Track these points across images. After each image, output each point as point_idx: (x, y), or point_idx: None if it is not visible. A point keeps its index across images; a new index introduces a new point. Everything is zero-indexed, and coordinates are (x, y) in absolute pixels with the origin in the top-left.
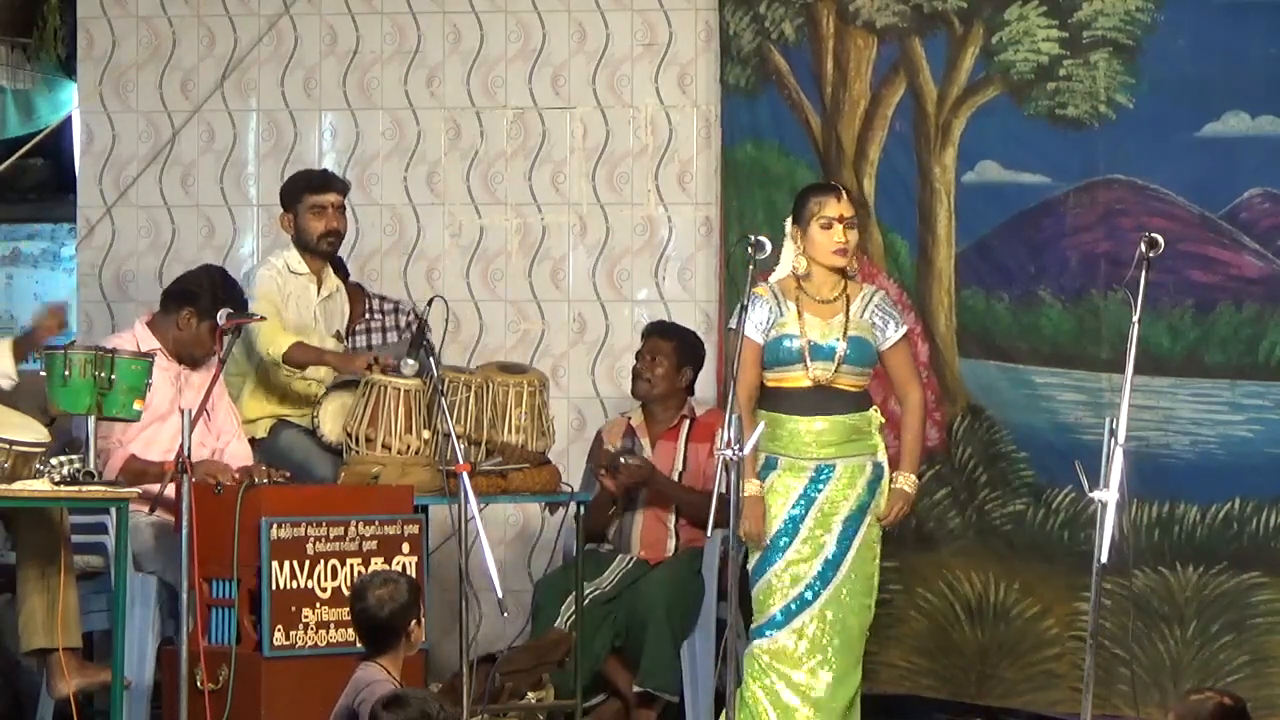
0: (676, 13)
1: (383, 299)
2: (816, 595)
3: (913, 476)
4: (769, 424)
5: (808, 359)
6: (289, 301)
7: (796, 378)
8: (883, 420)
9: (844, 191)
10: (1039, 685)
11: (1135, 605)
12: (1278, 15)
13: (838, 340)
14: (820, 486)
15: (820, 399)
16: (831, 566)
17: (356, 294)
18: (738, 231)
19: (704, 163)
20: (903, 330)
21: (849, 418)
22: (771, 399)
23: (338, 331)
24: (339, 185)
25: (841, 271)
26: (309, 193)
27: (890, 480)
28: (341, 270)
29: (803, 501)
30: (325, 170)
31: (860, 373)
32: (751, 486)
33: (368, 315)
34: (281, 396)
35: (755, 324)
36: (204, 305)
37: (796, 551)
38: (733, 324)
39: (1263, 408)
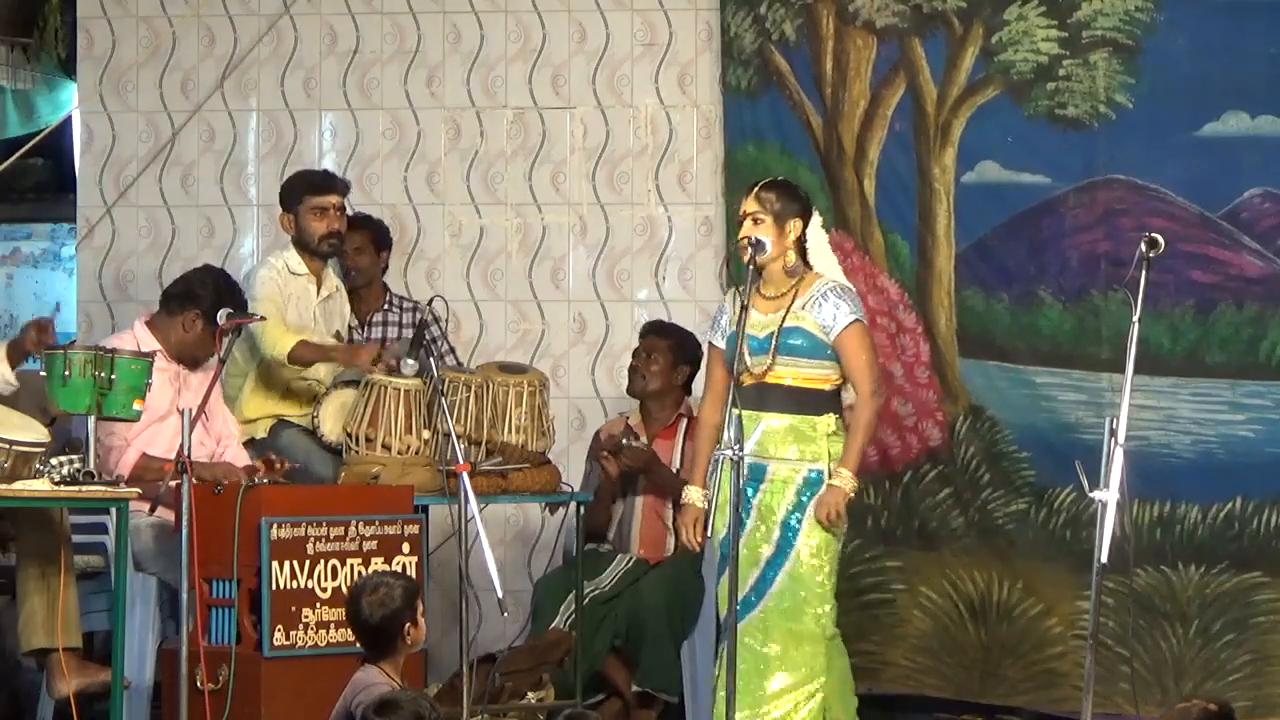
0: (677, 13)
1: (403, 298)
2: (752, 606)
3: (846, 473)
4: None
5: (746, 355)
6: (289, 302)
7: (744, 375)
8: (832, 429)
9: (761, 187)
10: (1042, 684)
11: (1137, 604)
12: (1278, 15)
13: (773, 333)
14: (754, 488)
15: (762, 396)
16: (766, 580)
17: (379, 288)
18: (740, 233)
19: (704, 163)
20: (852, 318)
21: (791, 418)
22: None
23: (337, 332)
24: (340, 186)
25: (766, 266)
26: (310, 194)
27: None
28: (385, 240)
29: (746, 502)
30: (326, 171)
31: (806, 365)
32: (692, 494)
33: (386, 308)
34: (281, 396)
35: (716, 330)
36: (208, 307)
37: (741, 552)
38: (706, 335)
39: (1264, 407)
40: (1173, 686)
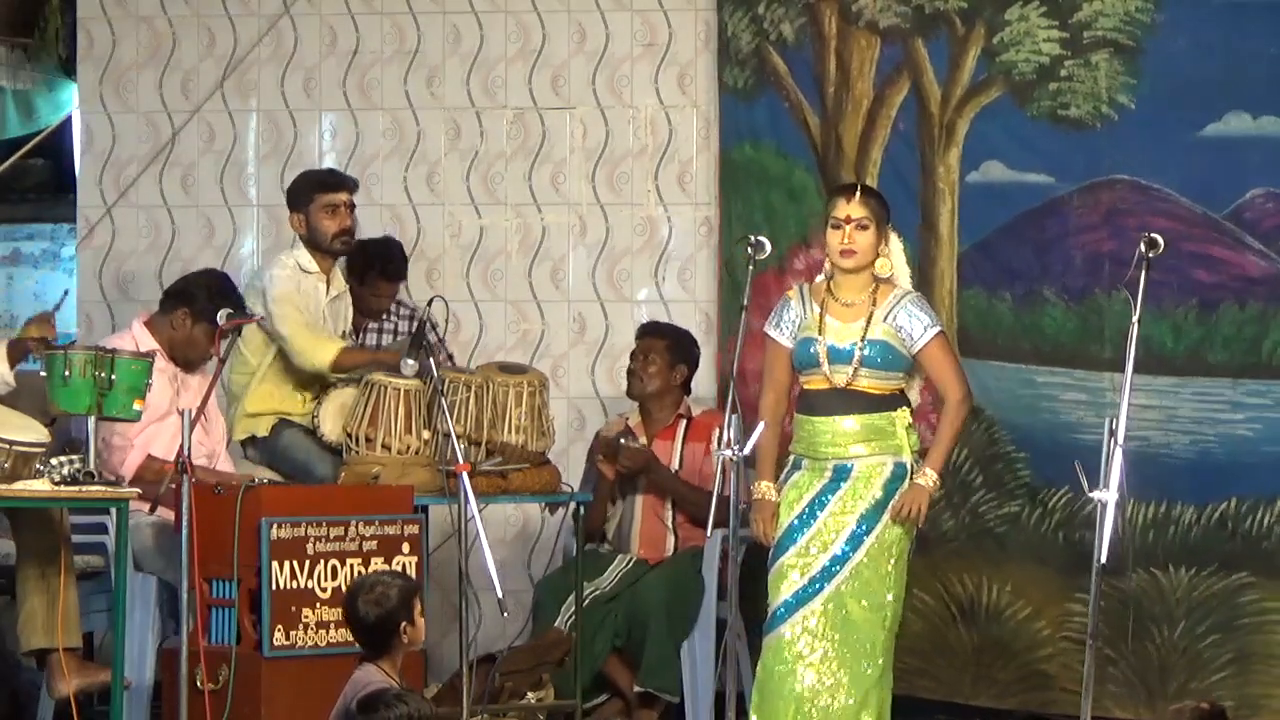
0: (676, 13)
1: (399, 303)
2: (819, 590)
3: (932, 473)
4: (797, 425)
5: (825, 363)
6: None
7: (819, 380)
8: (909, 421)
9: (861, 192)
10: (1032, 686)
11: (1125, 606)
12: (1278, 15)
13: (856, 344)
14: (837, 486)
15: (840, 401)
16: (838, 562)
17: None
18: (737, 232)
19: (704, 163)
20: (933, 331)
21: (869, 417)
22: (801, 400)
23: (344, 332)
24: (349, 184)
25: (858, 273)
26: (320, 192)
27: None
28: (400, 269)
29: (821, 498)
30: (333, 169)
31: (885, 377)
32: (762, 489)
33: (383, 315)
34: (287, 395)
35: (782, 326)
36: (200, 307)
37: (808, 544)
38: (767, 329)
39: (1264, 406)
40: (1158, 687)
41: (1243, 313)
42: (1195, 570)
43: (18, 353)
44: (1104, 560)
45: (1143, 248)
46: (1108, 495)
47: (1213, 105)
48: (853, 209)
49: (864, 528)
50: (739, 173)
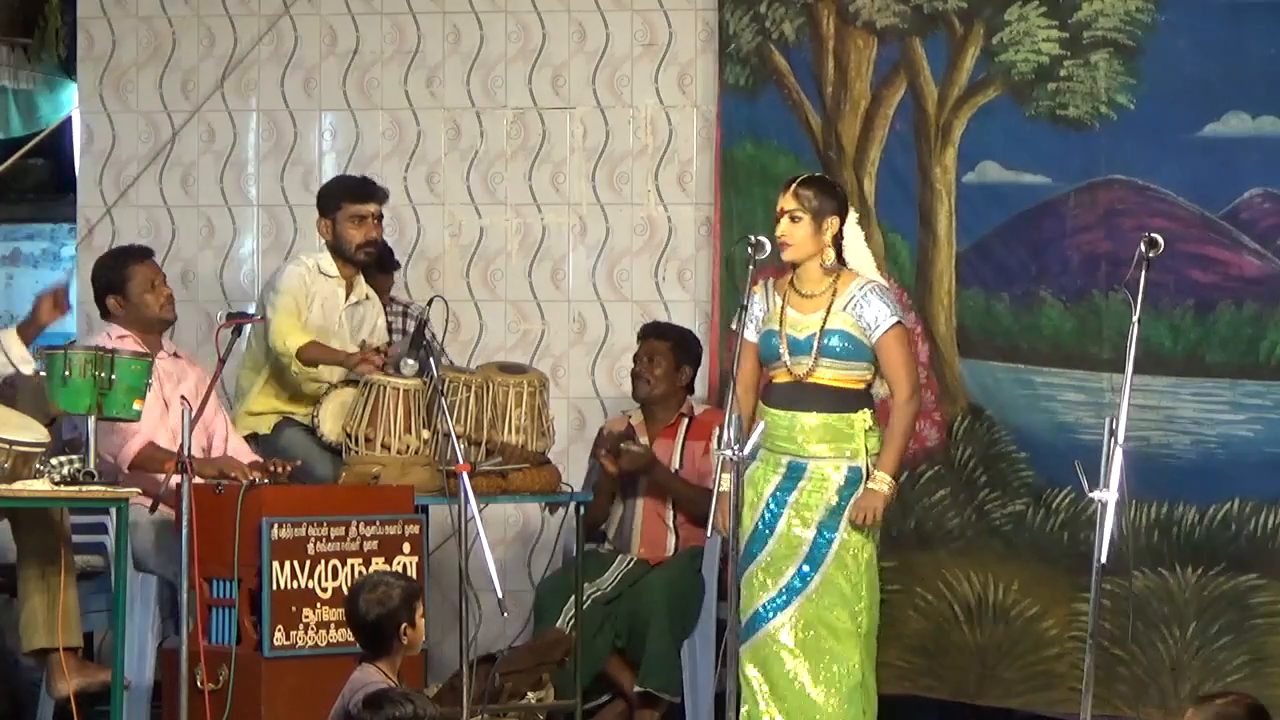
0: (676, 13)
1: (393, 300)
2: (788, 602)
3: (886, 476)
4: (759, 415)
5: (786, 354)
6: (314, 303)
7: (781, 373)
8: (869, 425)
9: (798, 184)
10: (1038, 685)
11: (1134, 606)
12: (1278, 15)
13: (814, 334)
14: (793, 485)
15: (799, 394)
16: (805, 574)
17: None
18: (737, 231)
19: (704, 163)
20: (891, 321)
21: (826, 416)
22: (764, 392)
23: (363, 341)
24: (380, 195)
25: (801, 264)
26: (350, 201)
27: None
28: (391, 261)
29: (778, 496)
30: (366, 178)
31: (846, 368)
32: (725, 481)
33: (384, 311)
34: (291, 395)
35: (749, 321)
36: (106, 307)
37: (774, 548)
38: (734, 325)
39: (1263, 407)
40: (1171, 688)
41: (1240, 313)
42: (1202, 570)
43: (33, 330)
44: (1104, 560)
45: (1143, 248)
46: (1108, 495)
47: (1212, 105)
48: (785, 201)
49: (825, 537)
50: (739, 170)
